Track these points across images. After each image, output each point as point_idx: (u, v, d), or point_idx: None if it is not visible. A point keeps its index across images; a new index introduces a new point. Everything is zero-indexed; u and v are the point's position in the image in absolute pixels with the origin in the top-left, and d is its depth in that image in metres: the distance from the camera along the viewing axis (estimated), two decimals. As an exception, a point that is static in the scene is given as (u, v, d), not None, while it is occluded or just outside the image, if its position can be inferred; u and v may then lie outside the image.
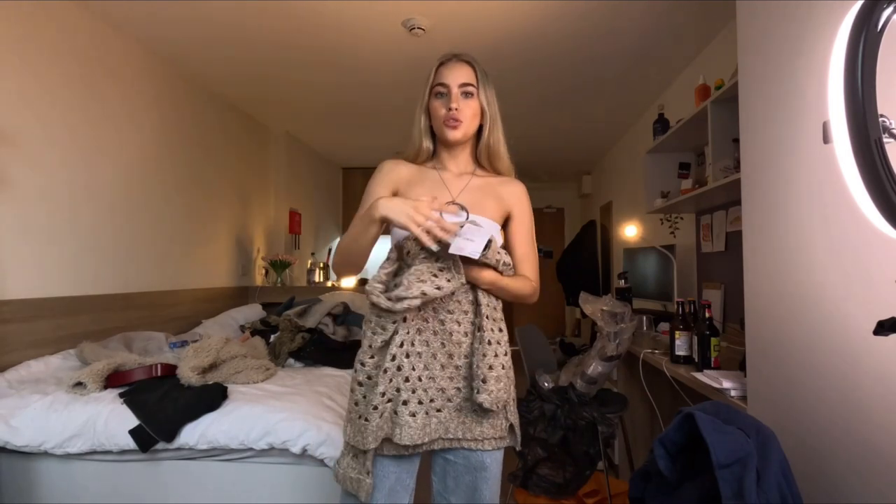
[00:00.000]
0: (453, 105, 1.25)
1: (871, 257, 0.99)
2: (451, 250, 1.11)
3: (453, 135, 1.27)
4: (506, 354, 1.22)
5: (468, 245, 1.10)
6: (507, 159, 1.35)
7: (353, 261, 1.26)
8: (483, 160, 1.34)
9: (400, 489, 1.23)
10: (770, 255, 1.30)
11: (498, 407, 1.18)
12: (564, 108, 4.17)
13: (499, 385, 1.17)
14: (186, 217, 3.45)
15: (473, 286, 1.21)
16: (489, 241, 1.15)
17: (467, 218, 1.20)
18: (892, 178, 0.90)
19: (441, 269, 1.14)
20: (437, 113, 1.28)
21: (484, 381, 1.16)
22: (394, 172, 1.32)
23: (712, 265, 2.94)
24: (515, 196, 1.33)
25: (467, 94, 1.27)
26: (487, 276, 1.20)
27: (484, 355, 1.17)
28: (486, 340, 1.19)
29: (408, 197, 1.26)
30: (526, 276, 1.29)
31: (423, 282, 1.10)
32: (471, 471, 1.23)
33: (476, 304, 1.21)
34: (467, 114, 1.27)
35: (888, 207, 0.91)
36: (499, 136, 1.33)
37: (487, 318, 1.20)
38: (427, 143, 1.33)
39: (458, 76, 1.27)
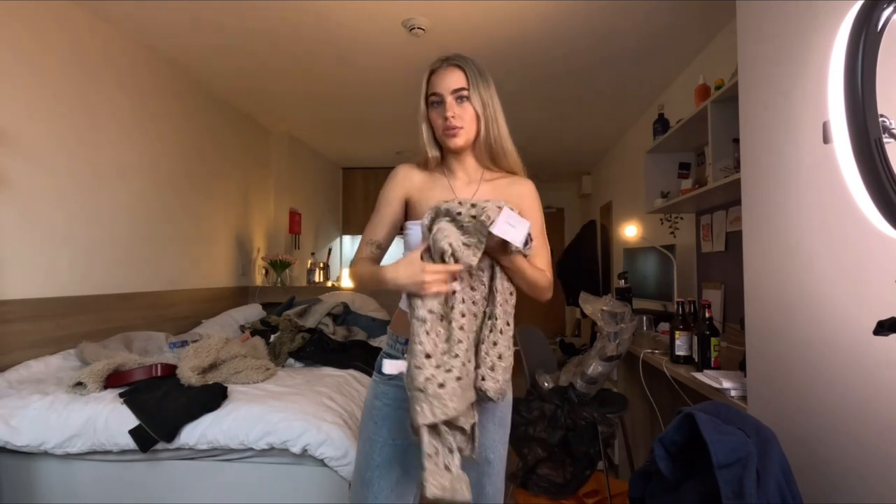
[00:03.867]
0: (448, 114, 1.25)
1: (871, 257, 0.99)
2: (494, 230, 1.09)
3: (455, 142, 1.27)
4: (509, 349, 1.21)
5: (510, 231, 1.10)
6: (513, 154, 1.33)
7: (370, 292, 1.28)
8: (485, 161, 1.33)
9: (405, 481, 1.23)
10: (770, 255, 1.30)
11: (499, 399, 1.17)
12: (565, 108, 4.17)
13: (505, 376, 1.17)
14: (187, 217, 3.45)
15: (493, 272, 1.20)
16: (529, 234, 1.14)
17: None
18: (892, 178, 0.90)
19: (466, 245, 1.13)
20: (436, 123, 1.29)
21: (492, 369, 1.15)
22: (407, 180, 1.33)
23: (712, 265, 2.94)
24: (523, 195, 1.33)
25: (461, 99, 1.26)
26: (517, 258, 1.18)
27: (494, 343, 1.17)
28: (499, 329, 1.18)
29: (422, 202, 1.28)
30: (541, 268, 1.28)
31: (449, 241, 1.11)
32: (473, 466, 1.21)
33: (492, 291, 1.19)
34: (465, 119, 1.26)
35: (888, 207, 0.91)
36: (501, 133, 1.30)
37: (500, 306, 1.19)
38: (434, 152, 1.32)
39: (449, 83, 1.26)
